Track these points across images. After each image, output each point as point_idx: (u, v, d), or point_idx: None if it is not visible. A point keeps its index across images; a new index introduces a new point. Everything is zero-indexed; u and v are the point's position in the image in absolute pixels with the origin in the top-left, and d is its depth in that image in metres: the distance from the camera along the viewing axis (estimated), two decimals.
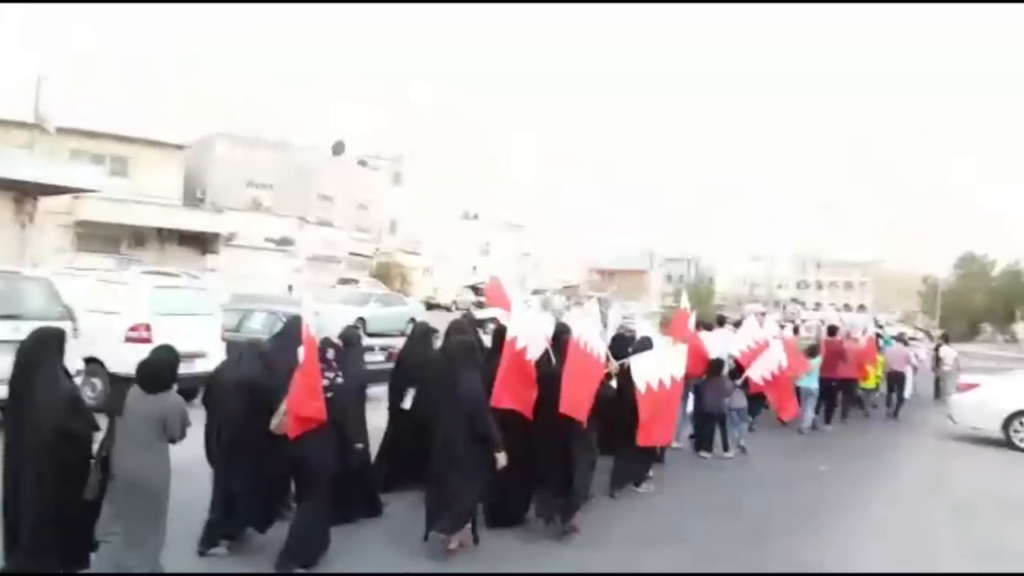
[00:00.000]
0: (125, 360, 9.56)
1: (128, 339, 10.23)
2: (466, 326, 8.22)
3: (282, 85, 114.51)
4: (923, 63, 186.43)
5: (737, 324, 15.85)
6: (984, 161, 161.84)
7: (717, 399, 10.80)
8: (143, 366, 4.95)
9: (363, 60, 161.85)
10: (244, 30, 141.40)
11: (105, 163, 35.17)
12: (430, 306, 40.77)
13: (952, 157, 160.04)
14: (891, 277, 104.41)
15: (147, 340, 9.92)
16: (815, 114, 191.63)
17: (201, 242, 36.99)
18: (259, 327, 12.91)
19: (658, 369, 8.06)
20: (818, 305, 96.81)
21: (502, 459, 6.07)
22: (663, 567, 6.39)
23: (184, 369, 9.16)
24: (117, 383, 9.69)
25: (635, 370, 7.89)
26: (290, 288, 37.09)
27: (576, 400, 6.65)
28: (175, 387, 5.11)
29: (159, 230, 35.89)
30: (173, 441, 4.92)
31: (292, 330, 6.23)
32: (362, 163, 48.93)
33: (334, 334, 6.69)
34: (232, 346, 7.34)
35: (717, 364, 10.91)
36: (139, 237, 35.66)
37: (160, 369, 4.97)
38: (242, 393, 5.78)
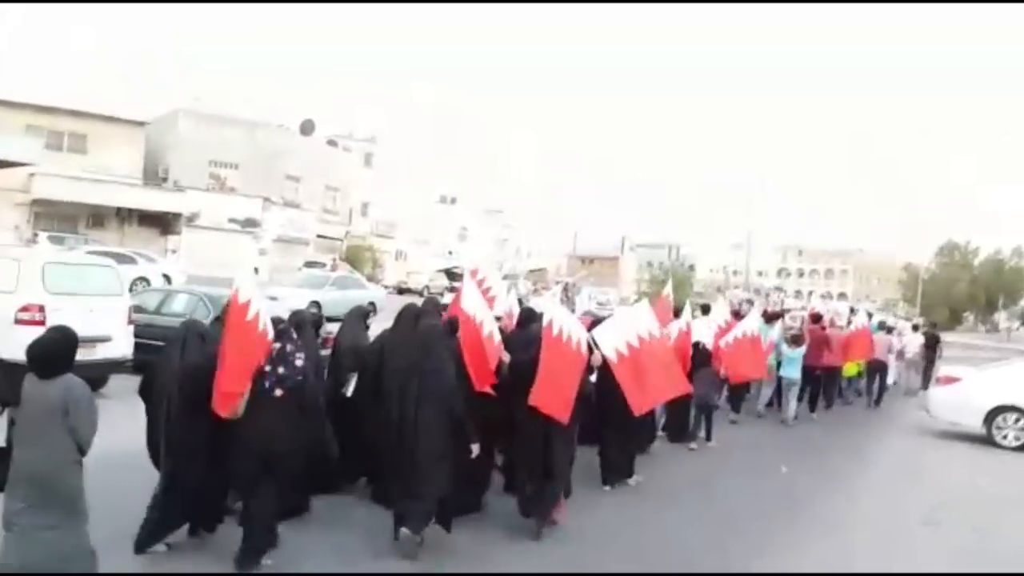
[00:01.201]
0: (15, 345, 8.61)
1: (19, 321, 9.16)
2: (428, 310, 7.57)
3: (282, 85, 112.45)
4: (923, 63, 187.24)
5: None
6: (984, 161, 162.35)
7: (707, 389, 10.35)
8: (34, 348, 4.32)
9: (363, 60, 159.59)
10: (244, 30, 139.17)
11: (63, 140, 34.04)
12: (401, 291, 39.83)
13: (952, 157, 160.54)
14: (872, 265, 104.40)
15: (40, 323, 8.90)
16: (815, 114, 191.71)
17: (162, 222, 35.88)
18: (181, 309, 11.94)
19: (624, 331, 7.38)
20: (798, 293, 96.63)
21: (476, 449, 5.83)
22: (654, 564, 6.09)
23: (86, 355, 8.07)
24: (8, 370, 8.77)
25: (599, 341, 7.13)
26: (256, 271, 36.06)
27: (550, 395, 6.18)
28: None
29: (118, 210, 34.79)
30: (78, 433, 4.24)
31: None
32: (332, 143, 47.65)
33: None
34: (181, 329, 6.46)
35: (704, 353, 10.53)
36: (98, 216, 34.57)
37: (52, 350, 4.33)
38: (186, 380, 5.34)
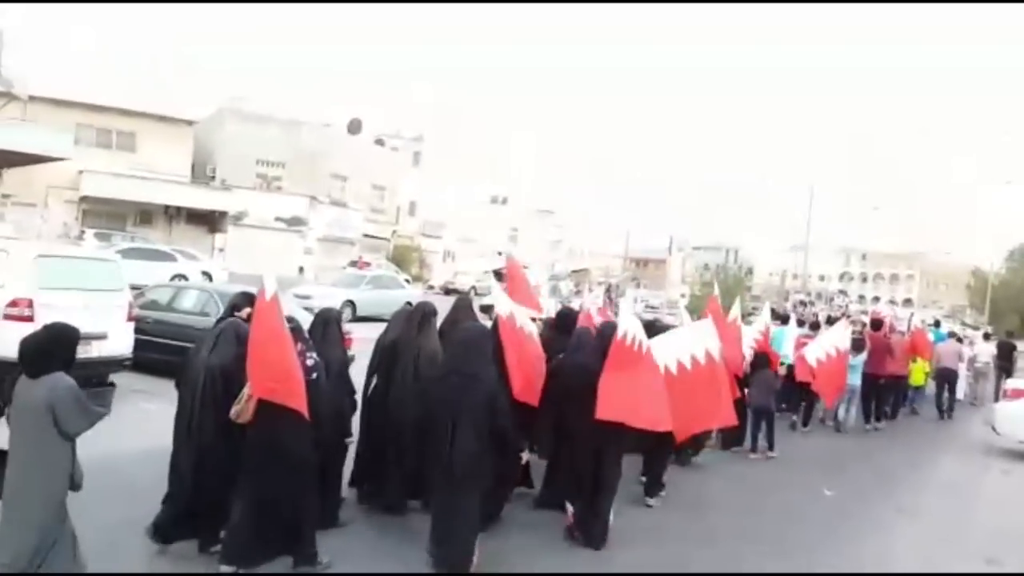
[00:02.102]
0: (3, 341, 8.19)
1: (7, 317, 8.74)
2: (460, 307, 7.32)
3: (282, 85, 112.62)
4: (923, 63, 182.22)
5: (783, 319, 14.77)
6: (984, 161, 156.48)
7: (764, 395, 10.08)
8: (22, 345, 4.24)
9: (363, 60, 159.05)
10: (244, 30, 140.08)
11: (111, 138, 34.36)
12: (448, 291, 39.31)
13: (952, 157, 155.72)
14: (938, 270, 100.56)
15: (28, 319, 8.50)
16: (816, 114, 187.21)
17: (209, 221, 36.00)
18: (191, 306, 11.49)
19: (681, 347, 7.13)
20: (862, 298, 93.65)
21: (526, 456, 5.66)
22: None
23: (81, 353, 8.03)
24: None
25: (653, 352, 6.72)
26: (301, 270, 35.98)
27: (621, 404, 5.88)
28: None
29: (166, 208, 35.00)
30: (69, 434, 4.14)
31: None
32: (379, 143, 47.40)
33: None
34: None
35: (763, 357, 10.30)
36: (146, 214, 34.81)
37: (40, 347, 4.23)
38: (209, 377, 5.22)
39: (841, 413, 12.42)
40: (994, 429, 12.14)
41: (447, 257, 52.07)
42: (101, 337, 9.36)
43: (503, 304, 6.58)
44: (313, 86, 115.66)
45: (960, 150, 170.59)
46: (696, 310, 18.48)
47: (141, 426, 5.38)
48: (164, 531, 5.17)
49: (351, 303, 21.40)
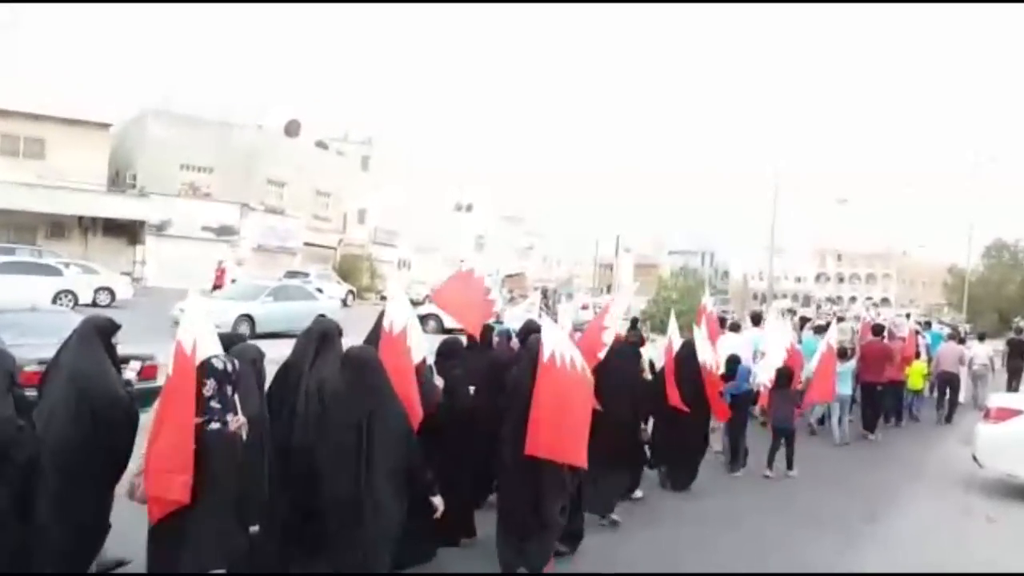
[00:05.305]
0: None
1: None
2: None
3: (213, 85, 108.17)
4: (923, 62, 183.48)
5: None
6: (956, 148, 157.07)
7: (785, 412, 9.80)
8: None
9: (307, 59, 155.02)
10: (172, 24, 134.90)
11: (18, 144, 31.69)
12: None
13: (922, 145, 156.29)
14: (915, 268, 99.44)
15: None
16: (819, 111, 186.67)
17: (130, 231, 33.36)
18: None
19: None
20: (839, 299, 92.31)
21: (439, 503, 4.83)
22: None
23: None
24: None
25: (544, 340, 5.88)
26: (233, 282, 33.44)
27: (555, 438, 5.32)
28: None
29: (81, 219, 32.31)
30: None
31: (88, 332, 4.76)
32: (321, 146, 44.72)
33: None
34: None
35: (786, 373, 10.00)
36: (58, 226, 32.11)
37: None
38: None
39: (834, 424, 11.87)
40: (975, 459, 9.73)
41: (402, 266, 49.45)
42: None
43: (392, 312, 5.71)
44: (249, 86, 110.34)
45: (932, 137, 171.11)
46: (652, 316, 17.38)
47: None
48: None
49: (248, 318, 18.79)
